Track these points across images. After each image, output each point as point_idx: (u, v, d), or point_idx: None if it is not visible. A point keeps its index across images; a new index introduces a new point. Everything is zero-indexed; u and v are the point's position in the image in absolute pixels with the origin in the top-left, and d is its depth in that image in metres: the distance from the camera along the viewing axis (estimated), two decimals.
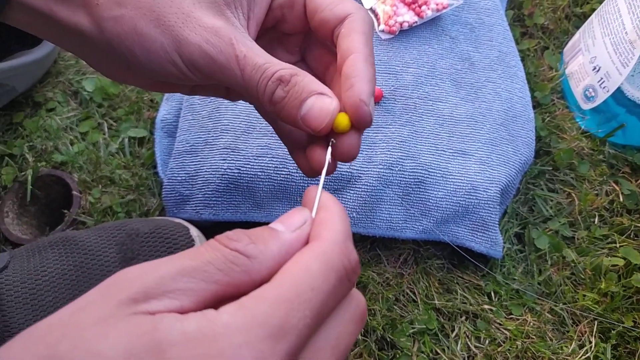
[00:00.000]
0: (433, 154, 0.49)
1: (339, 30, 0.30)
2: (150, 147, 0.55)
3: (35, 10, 0.28)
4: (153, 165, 0.54)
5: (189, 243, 0.43)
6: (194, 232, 0.44)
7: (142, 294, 0.19)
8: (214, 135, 0.49)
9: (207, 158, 0.48)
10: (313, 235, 0.23)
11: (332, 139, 0.29)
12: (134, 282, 0.19)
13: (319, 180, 0.29)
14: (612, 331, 0.47)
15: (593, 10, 0.64)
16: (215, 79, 0.29)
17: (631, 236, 0.52)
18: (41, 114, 0.56)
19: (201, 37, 0.28)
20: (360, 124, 0.28)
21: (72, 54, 0.60)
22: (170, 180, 0.48)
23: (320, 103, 0.28)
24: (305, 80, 0.28)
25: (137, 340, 0.18)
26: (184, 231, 0.44)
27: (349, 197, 0.47)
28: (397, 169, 0.48)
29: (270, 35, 0.34)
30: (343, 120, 0.28)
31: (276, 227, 0.23)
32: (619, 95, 0.53)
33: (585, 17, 0.65)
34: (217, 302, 0.20)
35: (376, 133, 0.49)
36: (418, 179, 0.48)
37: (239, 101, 0.50)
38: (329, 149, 0.29)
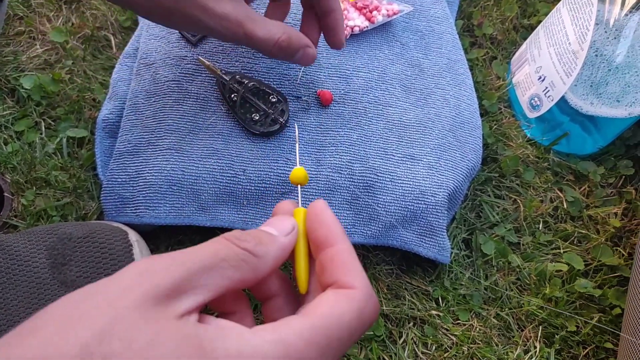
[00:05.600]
0: (382, 158, 0.48)
1: None
2: (90, 148, 0.52)
3: None
4: (93, 167, 0.51)
5: (127, 248, 0.41)
6: (133, 236, 0.42)
7: (174, 288, 0.21)
8: (158, 135, 0.47)
9: (150, 159, 0.47)
10: (340, 277, 0.25)
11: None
12: (165, 274, 0.21)
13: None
14: (556, 336, 0.48)
15: (540, 22, 0.66)
16: None
17: (574, 242, 0.53)
18: None
19: None
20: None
21: (10, 50, 0.57)
22: (110, 182, 0.46)
23: (309, 54, 0.42)
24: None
25: (185, 350, 0.19)
26: (122, 235, 0.41)
27: (296, 201, 0.46)
28: (345, 172, 0.47)
29: None
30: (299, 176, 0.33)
31: (271, 232, 0.26)
32: (563, 104, 0.54)
33: (532, 28, 0.66)
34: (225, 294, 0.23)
35: (325, 136, 0.48)
36: (367, 183, 0.47)
37: (185, 100, 0.48)
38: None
